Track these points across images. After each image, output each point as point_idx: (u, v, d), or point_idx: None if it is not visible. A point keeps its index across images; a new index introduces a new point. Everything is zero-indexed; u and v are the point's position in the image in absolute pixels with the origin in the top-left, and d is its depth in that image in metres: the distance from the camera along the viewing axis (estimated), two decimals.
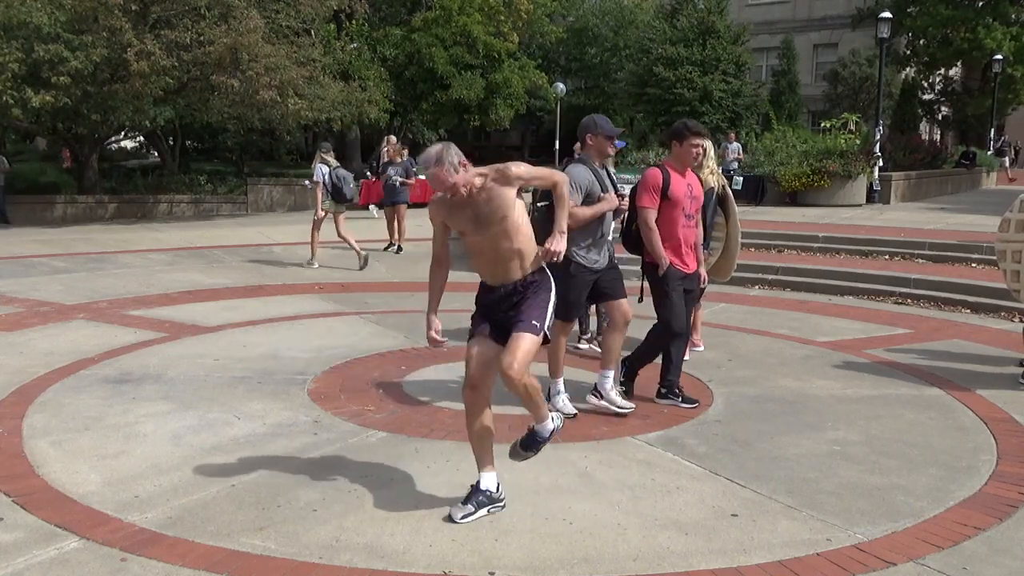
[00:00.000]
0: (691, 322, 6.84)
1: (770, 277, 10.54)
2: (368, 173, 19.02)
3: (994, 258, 10.25)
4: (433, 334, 3.74)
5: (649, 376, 6.15)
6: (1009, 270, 6.24)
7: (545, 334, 3.66)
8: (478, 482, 3.78)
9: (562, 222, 3.76)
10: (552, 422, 3.80)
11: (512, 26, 26.93)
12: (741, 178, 17.98)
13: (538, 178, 3.82)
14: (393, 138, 13.48)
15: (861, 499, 3.99)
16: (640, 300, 5.59)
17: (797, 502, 3.94)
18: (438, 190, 3.63)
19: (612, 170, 5.65)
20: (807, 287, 10.16)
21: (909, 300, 9.41)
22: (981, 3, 30.03)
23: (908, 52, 32.89)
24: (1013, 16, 29.89)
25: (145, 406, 5.24)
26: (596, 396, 5.29)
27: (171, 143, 24.94)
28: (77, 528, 3.55)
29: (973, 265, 10.53)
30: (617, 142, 5.37)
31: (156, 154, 27.00)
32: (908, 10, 30.32)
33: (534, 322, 3.62)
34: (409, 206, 13.25)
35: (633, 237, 5.47)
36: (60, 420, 4.95)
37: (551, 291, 3.74)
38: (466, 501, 3.74)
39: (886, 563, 3.36)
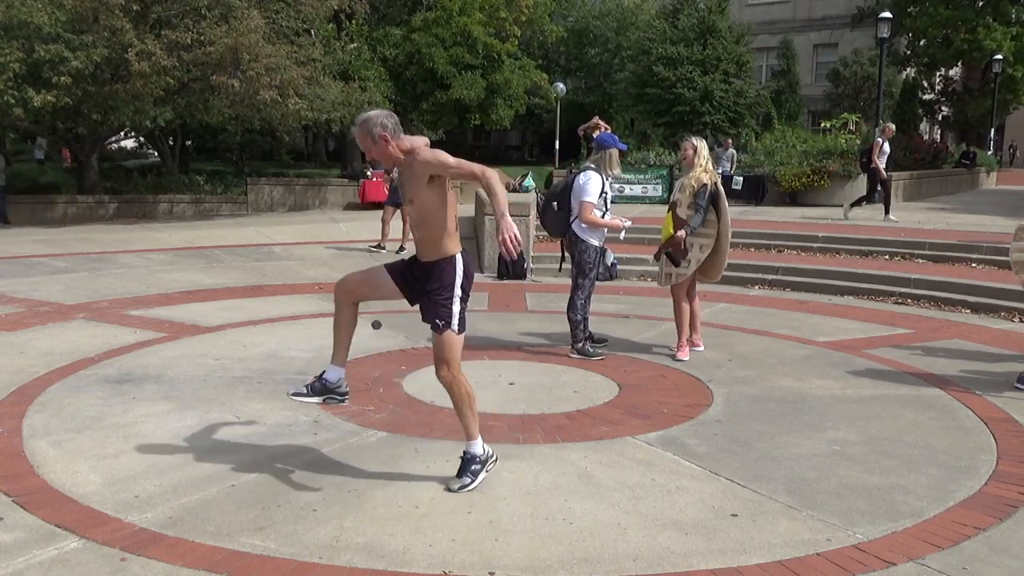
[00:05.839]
0: (692, 321, 6.87)
1: (770, 277, 10.55)
2: (369, 172, 19.03)
3: (994, 258, 10.30)
4: None
5: (647, 375, 6.16)
6: None
7: (458, 326, 3.89)
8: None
9: (500, 205, 3.65)
10: (482, 447, 4.02)
11: (514, 21, 26.94)
12: (741, 178, 17.99)
13: (452, 168, 3.72)
14: None
15: (861, 499, 3.99)
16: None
17: (797, 502, 3.94)
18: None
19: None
20: (807, 287, 10.17)
21: (909, 300, 9.41)
22: (981, 3, 30.03)
23: (908, 52, 32.92)
24: (1013, 16, 29.91)
25: (145, 406, 5.24)
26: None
27: (171, 143, 24.94)
28: (77, 528, 3.55)
29: (973, 265, 10.53)
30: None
31: (156, 154, 27.01)
32: (908, 10, 30.35)
33: (438, 321, 3.88)
34: None
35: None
36: (60, 420, 4.95)
37: (453, 285, 3.89)
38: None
39: (886, 563, 3.36)
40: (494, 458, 4.09)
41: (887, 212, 14.36)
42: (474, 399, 4.00)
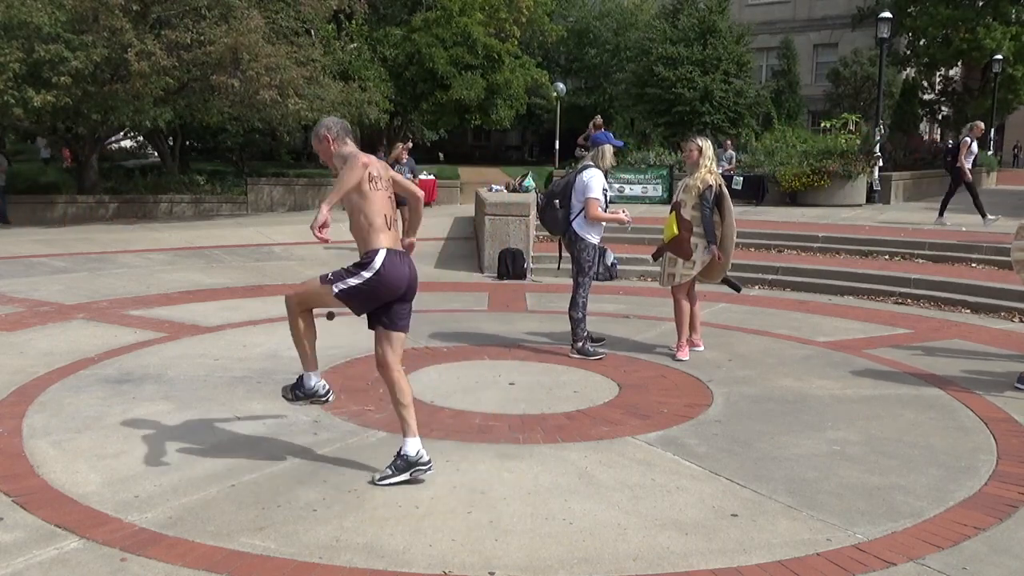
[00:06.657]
0: (691, 321, 6.86)
1: (770, 277, 10.55)
2: None
3: (994, 258, 10.30)
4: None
5: (647, 375, 6.16)
6: None
7: (332, 287, 3.95)
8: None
9: (330, 196, 3.92)
10: (315, 379, 4.24)
11: (514, 22, 26.96)
12: (741, 178, 18.00)
13: (341, 168, 3.92)
14: (409, 145, 14.01)
15: (861, 499, 3.99)
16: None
17: (797, 502, 3.94)
18: None
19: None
20: (807, 287, 10.17)
21: (909, 300, 9.41)
22: (981, 3, 30.02)
23: (908, 52, 32.90)
24: (1013, 16, 29.89)
25: (145, 406, 5.24)
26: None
27: (171, 143, 24.94)
28: (77, 528, 3.55)
29: (973, 265, 10.53)
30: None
31: (156, 154, 27.03)
32: (908, 10, 30.33)
33: (330, 274, 4.02)
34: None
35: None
36: (60, 420, 4.95)
37: (361, 271, 3.97)
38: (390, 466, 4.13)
39: (886, 563, 3.36)
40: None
41: (983, 215, 13.35)
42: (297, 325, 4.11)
